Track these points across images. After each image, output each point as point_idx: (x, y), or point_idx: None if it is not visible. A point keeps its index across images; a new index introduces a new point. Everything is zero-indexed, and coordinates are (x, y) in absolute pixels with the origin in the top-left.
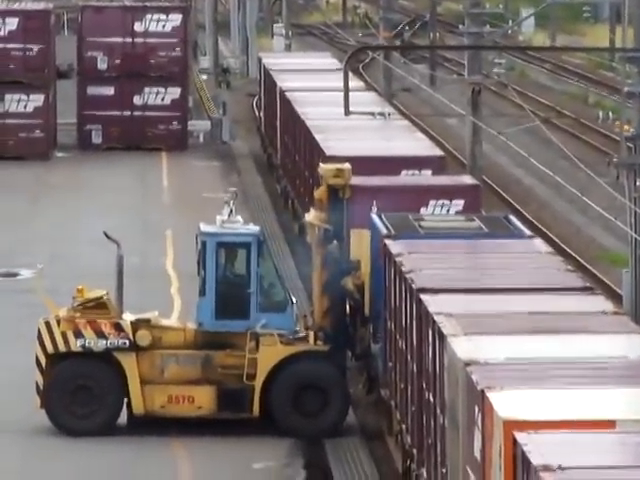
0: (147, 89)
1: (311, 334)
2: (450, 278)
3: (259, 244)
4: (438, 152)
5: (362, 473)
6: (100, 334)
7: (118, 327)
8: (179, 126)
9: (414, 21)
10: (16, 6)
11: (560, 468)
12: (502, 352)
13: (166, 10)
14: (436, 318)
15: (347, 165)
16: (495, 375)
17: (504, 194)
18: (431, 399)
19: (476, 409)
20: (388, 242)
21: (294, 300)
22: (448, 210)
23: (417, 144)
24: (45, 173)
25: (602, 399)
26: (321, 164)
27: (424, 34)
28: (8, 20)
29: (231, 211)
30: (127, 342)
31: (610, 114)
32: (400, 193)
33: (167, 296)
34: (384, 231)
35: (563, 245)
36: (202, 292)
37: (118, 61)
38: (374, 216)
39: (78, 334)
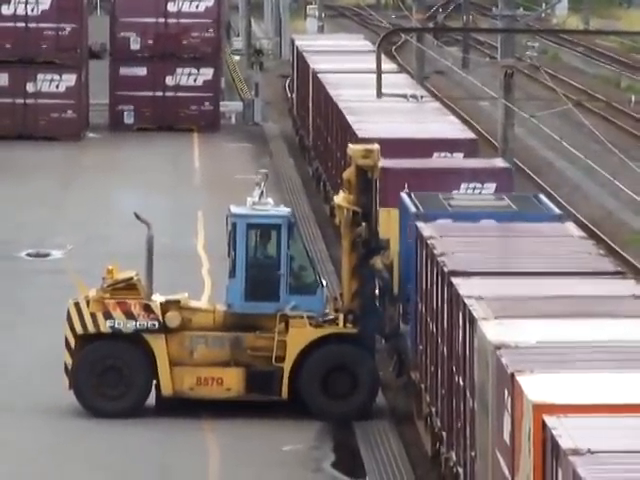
0: (179, 70)
1: (340, 316)
2: (481, 261)
3: (289, 226)
4: (470, 135)
5: (391, 456)
6: (129, 315)
7: (147, 308)
8: (211, 107)
9: (447, 3)
10: None
11: (589, 452)
12: (532, 336)
13: None
14: (467, 301)
15: (376, 146)
16: (525, 359)
17: (536, 177)
18: (461, 382)
19: (506, 393)
20: (420, 225)
21: (324, 283)
22: (480, 193)
23: (449, 127)
24: (77, 154)
25: (632, 383)
26: (350, 145)
27: (457, 16)
28: (41, 0)
29: (262, 193)
30: (156, 323)
31: None
32: (432, 176)
33: (198, 277)
34: (413, 209)
35: (594, 229)
36: (232, 274)
37: (151, 41)
38: (403, 195)
39: (107, 315)
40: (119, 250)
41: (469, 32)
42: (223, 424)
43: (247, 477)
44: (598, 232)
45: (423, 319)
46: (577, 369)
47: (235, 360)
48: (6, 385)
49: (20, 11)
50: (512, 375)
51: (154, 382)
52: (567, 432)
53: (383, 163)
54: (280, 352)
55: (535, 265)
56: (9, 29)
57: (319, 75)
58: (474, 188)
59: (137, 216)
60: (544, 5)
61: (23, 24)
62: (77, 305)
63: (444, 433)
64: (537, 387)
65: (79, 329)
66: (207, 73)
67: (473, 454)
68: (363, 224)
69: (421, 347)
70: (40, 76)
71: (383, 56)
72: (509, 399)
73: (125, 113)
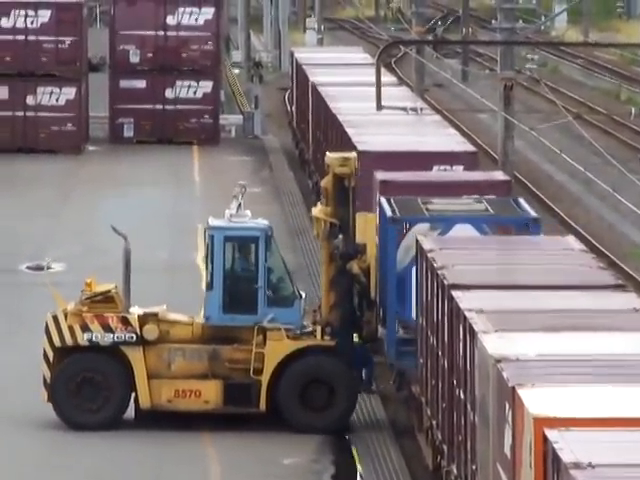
0: (179, 83)
1: (318, 329)
2: (482, 274)
3: (267, 238)
4: (470, 148)
5: (392, 469)
6: (107, 328)
7: (125, 321)
8: (211, 120)
9: (447, 16)
10: None
11: (591, 466)
12: (533, 349)
13: (198, 3)
14: (467, 314)
15: (353, 154)
16: (526, 372)
17: (536, 190)
18: (462, 395)
19: (507, 406)
20: (420, 238)
21: (303, 295)
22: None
23: (449, 139)
24: (77, 167)
25: (633, 397)
26: (327, 153)
27: (456, 29)
28: (41, 12)
29: (240, 205)
30: (134, 336)
31: None
32: (431, 189)
33: (197, 290)
34: (389, 214)
35: (595, 242)
36: (210, 286)
37: (150, 54)
38: (383, 199)
39: (85, 328)
40: (117, 262)
41: (468, 45)
42: (223, 437)
43: None
44: (598, 245)
45: (424, 332)
46: (578, 382)
47: (213, 373)
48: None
49: (20, 24)
50: (513, 388)
51: (132, 395)
52: (568, 446)
53: (383, 176)
54: (258, 364)
55: (535, 278)
56: (9, 42)
57: (319, 88)
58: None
59: (114, 229)
60: (543, 18)
61: (23, 37)
62: (55, 318)
63: (445, 446)
64: (538, 400)
65: (57, 342)
66: (207, 86)
67: (474, 467)
68: (340, 236)
69: (422, 360)
70: (40, 89)
71: (383, 69)
72: (510, 412)
73: (125, 126)
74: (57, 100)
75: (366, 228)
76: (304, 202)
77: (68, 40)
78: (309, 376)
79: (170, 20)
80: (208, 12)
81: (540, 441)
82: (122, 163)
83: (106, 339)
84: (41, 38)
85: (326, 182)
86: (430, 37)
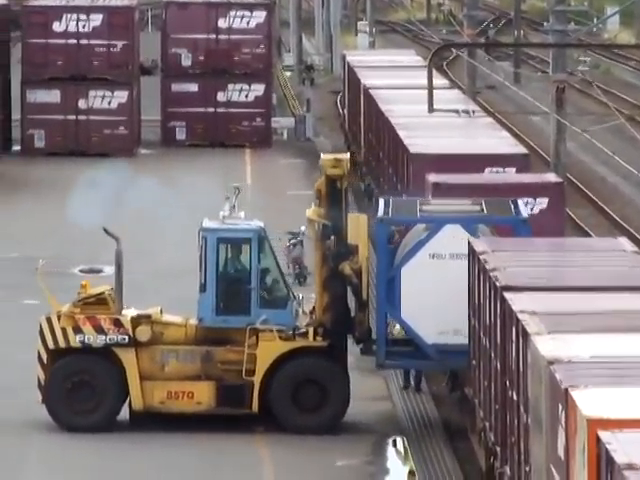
0: (231, 86)
1: (310, 330)
2: (534, 276)
3: (260, 240)
4: (522, 150)
5: (445, 470)
6: (99, 330)
7: (117, 323)
8: (263, 123)
9: (498, 18)
10: (100, 2)
11: None
12: (586, 350)
13: (250, 7)
14: (520, 316)
15: (346, 155)
16: (579, 373)
17: (588, 192)
18: (514, 397)
19: (560, 407)
20: (472, 240)
21: (300, 296)
22: (532, 208)
23: (501, 142)
24: (129, 170)
25: None
26: (322, 155)
27: (508, 31)
28: (92, 16)
29: (233, 207)
30: (126, 338)
31: None
32: (484, 191)
33: None
34: (380, 214)
35: None
36: (203, 288)
37: (202, 58)
38: (381, 200)
39: (77, 330)
40: (170, 266)
41: (520, 47)
42: (277, 438)
43: None
44: None
45: (476, 334)
46: (631, 384)
47: (206, 374)
48: None
49: (72, 28)
50: (566, 390)
51: (125, 396)
52: (622, 447)
53: (435, 178)
54: (250, 366)
55: (588, 280)
56: (61, 46)
57: (370, 91)
58: (526, 203)
59: (106, 231)
60: (595, 20)
61: (75, 41)
62: (49, 320)
63: (498, 448)
64: (591, 402)
65: (51, 344)
66: (258, 89)
67: (527, 469)
68: (332, 237)
69: (474, 362)
70: (92, 93)
71: (434, 71)
72: (563, 414)
73: (177, 129)
74: (109, 104)
75: (358, 229)
76: (355, 204)
77: (120, 44)
78: (301, 377)
79: (222, 23)
80: (260, 15)
81: (593, 442)
82: (174, 166)
83: (98, 341)
84: (93, 42)
85: (319, 184)
86: (482, 39)
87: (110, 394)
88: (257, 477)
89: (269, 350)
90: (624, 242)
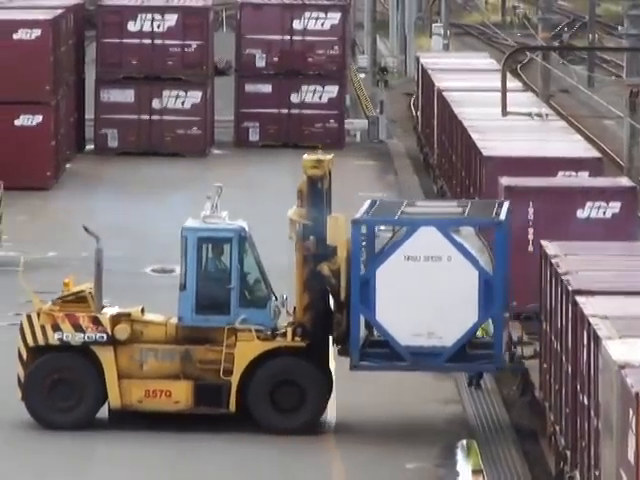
0: (304, 87)
1: (289, 330)
2: (606, 280)
3: (240, 240)
4: (595, 154)
5: (515, 474)
6: (78, 328)
7: (96, 321)
8: (336, 124)
9: (573, 22)
10: (175, 2)
11: None
12: None
13: (325, 8)
14: (591, 320)
15: (328, 156)
16: None
17: None
18: (585, 401)
19: (630, 412)
20: (545, 244)
21: (280, 296)
22: (604, 212)
23: (574, 145)
24: (202, 170)
25: None
26: (304, 156)
27: (583, 35)
28: (167, 16)
29: (215, 206)
30: (105, 336)
31: None
32: (556, 194)
33: None
34: (356, 216)
35: None
36: (183, 287)
37: (276, 59)
38: (367, 202)
39: (56, 328)
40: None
41: (595, 51)
42: (347, 439)
43: None
44: None
45: (547, 337)
46: None
47: (185, 373)
48: None
49: (146, 28)
50: (637, 395)
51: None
52: None
53: (508, 181)
54: (228, 365)
55: None
56: (135, 45)
57: (444, 93)
58: (598, 207)
59: (86, 229)
60: None
61: (149, 41)
62: (29, 318)
63: (568, 452)
64: None
65: (30, 341)
66: (332, 91)
67: (597, 473)
68: (311, 237)
69: (545, 365)
70: (166, 92)
71: (508, 74)
72: (634, 419)
73: (250, 130)
74: (183, 104)
75: (337, 230)
76: None
77: (194, 44)
78: (279, 377)
79: (296, 25)
80: (334, 17)
81: None
82: (247, 167)
83: (77, 339)
84: (167, 42)
85: (301, 184)
86: (556, 43)
87: (89, 392)
88: (327, 478)
89: (247, 350)
90: None
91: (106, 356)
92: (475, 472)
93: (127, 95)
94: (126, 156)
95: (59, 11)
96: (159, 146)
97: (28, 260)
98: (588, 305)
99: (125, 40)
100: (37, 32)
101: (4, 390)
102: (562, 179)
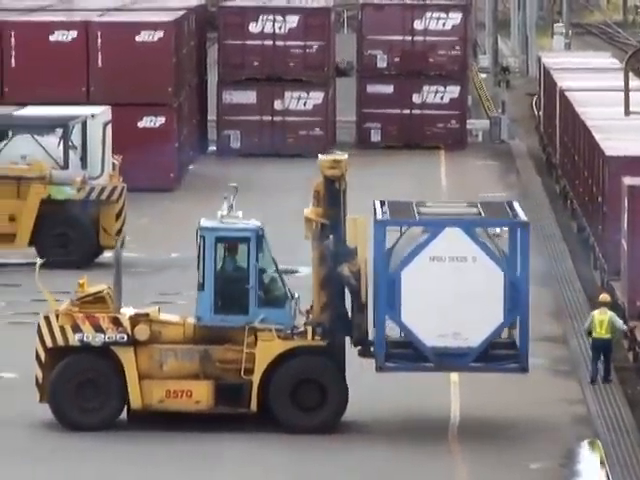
0: (426, 87)
1: (309, 329)
2: None
3: (258, 239)
4: None
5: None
6: (98, 328)
7: (116, 321)
8: (458, 125)
9: None
10: (297, 3)
11: None
12: None
13: (446, 8)
14: None
15: (345, 156)
16: None
17: None
18: None
19: None
20: None
21: (296, 295)
22: None
23: None
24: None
25: None
26: (319, 156)
27: None
28: (289, 18)
29: (231, 206)
30: (125, 337)
31: None
32: None
33: None
34: (379, 217)
35: None
36: (201, 287)
37: (397, 59)
38: (376, 202)
39: (76, 329)
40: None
41: None
42: (470, 439)
43: None
44: None
45: None
46: None
47: (204, 373)
48: None
49: (268, 29)
50: None
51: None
52: None
53: (631, 181)
54: (249, 365)
55: None
56: (257, 47)
57: (566, 93)
58: None
59: (104, 230)
60: None
61: (271, 42)
62: (47, 319)
63: None
64: None
65: (49, 342)
66: (454, 91)
67: None
68: (330, 237)
69: None
70: (287, 94)
71: (631, 74)
72: None
73: (372, 131)
74: (304, 105)
75: (356, 231)
76: (551, 207)
77: (316, 45)
78: (300, 376)
79: (417, 25)
80: (456, 17)
81: None
82: (369, 167)
83: (97, 339)
84: (289, 43)
85: (317, 185)
86: None
87: (113, 393)
88: (450, 478)
89: (268, 349)
90: None
91: (127, 357)
92: (600, 465)
93: (249, 96)
94: (248, 157)
95: (181, 13)
96: (281, 147)
97: (152, 261)
98: None
99: (247, 42)
100: (159, 34)
101: None
102: None
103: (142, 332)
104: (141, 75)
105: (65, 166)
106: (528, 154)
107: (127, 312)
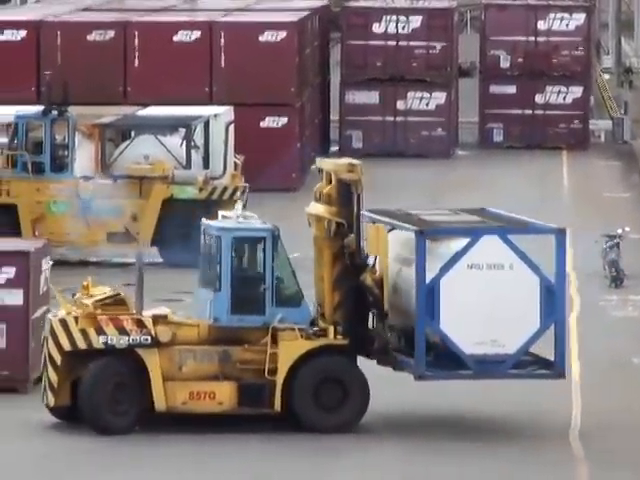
0: (549, 88)
1: (331, 328)
2: None
3: (274, 239)
4: None
5: None
6: (122, 331)
7: (140, 323)
8: (580, 125)
9: None
10: (420, 4)
11: None
12: None
13: (569, 9)
14: None
15: (358, 161)
16: None
17: None
18: None
19: None
20: None
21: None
22: None
23: None
24: (446, 171)
25: None
26: (326, 160)
27: None
28: (412, 18)
29: (244, 206)
30: (149, 338)
31: None
32: None
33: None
34: (413, 227)
35: None
36: (218, 287)
37: (520, 60)
38: (366, 212)
39: (100, 331)
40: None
41: None
42: (592, 441)
43: None
44: None
45: None
46: None
47: (224, 374)
48: None
49: (391, 29)
50: None
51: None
52: None
53: None
54: (272, 365)
55: None
56: (380, 47)
57: None
58: None
59: (127, 229)
60: None
61: (394, 42)
62: (63, 321)
63: None
64: None
65: (67, 345)
66: (576, 91)
67: None
68: (351, 235)
69: None
70: (410, 94)
71: None
72: None
73: (494, 131)
74: (427, 105)
75: (378, 239)
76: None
77: (439, 45)
78: (323, 376)
79: (541, 25)
80: (579, 17)
81: None
82: (491, 168)
83: (121, 342)
84: (412, 43)
85: (329, 189)
86: None
87: (141, 395)
88: (570, 475)
89: (292, 349)
90: None
91: (151, 359)
92: None
93: (372, 97)
94: (370, 157)
95: (304, 13)
96: (403, 147)
97: None
98: None
99: (370, 42)
100: (283, 34)
101: None
102: None
103: (164, 333)
104: (264, 75)
105: (187, 166)
106: None
107: (146, 314)
